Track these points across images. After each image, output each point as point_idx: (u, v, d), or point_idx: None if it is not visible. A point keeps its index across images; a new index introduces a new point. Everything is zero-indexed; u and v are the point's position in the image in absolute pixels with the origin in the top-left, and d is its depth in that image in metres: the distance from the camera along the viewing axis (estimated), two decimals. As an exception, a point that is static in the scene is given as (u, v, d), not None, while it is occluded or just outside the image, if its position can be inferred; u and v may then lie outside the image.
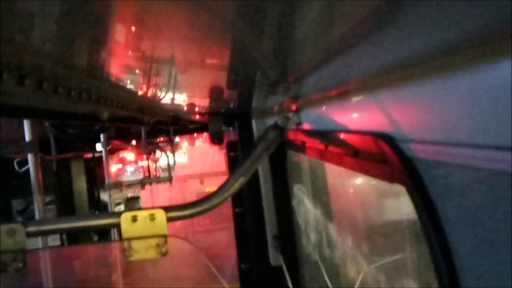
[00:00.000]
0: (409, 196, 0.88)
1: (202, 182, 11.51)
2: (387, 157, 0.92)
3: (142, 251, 1.70)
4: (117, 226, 1.72)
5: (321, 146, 1.48)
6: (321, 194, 2.79)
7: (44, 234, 1.77)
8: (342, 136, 1.27)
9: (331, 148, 1.39)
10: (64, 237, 7.06)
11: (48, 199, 7.07)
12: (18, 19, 0.88)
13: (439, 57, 0.70)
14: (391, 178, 0.95)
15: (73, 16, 0.96)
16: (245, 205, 3.27)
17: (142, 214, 1.71)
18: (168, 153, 9.65)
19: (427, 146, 0.79)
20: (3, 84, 0.87)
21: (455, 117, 0.68)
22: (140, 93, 2.44)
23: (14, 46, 0.93)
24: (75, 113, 1.65)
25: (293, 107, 1.83)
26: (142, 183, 9.30)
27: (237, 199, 3.24)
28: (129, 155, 12.30)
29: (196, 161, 11.00)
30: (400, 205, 2.10)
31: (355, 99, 1.18)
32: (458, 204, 0.78)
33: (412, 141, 0.85)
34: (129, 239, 1.70)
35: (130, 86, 2.19)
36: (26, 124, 5.96)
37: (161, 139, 9.15)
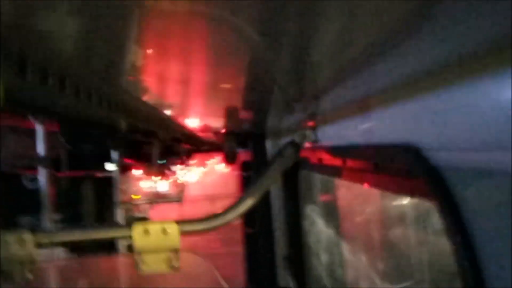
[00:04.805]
0: (439, 213, 0.77)
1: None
2: (413, 169, 0.88)
3: (153, 265, 1.67)
4: (128, 238, 1.69)
5: (339, 163, 1.46)
6: (333, 216, 2.75)
7: (54, 245, 1.74)
8: (362, 150, 1.24)
9: (350, 163, 1.37)
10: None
11: (56, 217, 7.06)
12: (44, 21, 0.89)
13: (463, 64, 0.69)
14: (418, 192, 0.90)
15: (100, 25, 0.97)
16: (256, 225, 3.25)
17: (154, 227, 1.68)
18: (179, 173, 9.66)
19: (457, 154, 0.74)
20: (26, 81, 0.87)
21: (485, 121, 0.66)
22: (158, 109, 2.45)
23: (39, 46, 0.94)
24: (93, 120, 1.66)
25: (310, 125, 1.82)
26: (151, 203, 9.30)
27: (248, 219, 3.22)
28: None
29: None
30: (416, 228, 2.06)
31: (374, 112, 1.16)
32: (500, 223, 0.67)
33: (439, 150, 0.80)
34: (141, 252, 1.67)
35: (149, 100, 2.20)
36: (38, 140, 6.02)
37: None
